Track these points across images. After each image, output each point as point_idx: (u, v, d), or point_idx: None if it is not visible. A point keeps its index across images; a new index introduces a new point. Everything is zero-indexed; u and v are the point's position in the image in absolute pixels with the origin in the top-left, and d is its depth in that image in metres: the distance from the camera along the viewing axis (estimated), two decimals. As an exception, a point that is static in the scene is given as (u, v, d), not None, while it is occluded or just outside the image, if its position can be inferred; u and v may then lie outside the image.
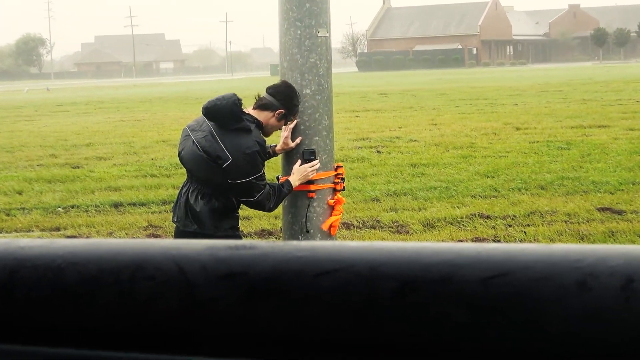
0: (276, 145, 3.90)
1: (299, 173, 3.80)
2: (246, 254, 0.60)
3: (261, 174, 3.59)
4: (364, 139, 13.43)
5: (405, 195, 8.21)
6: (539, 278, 0.54)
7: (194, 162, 3.56)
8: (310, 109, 3.89)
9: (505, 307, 0.54)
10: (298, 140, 3.86)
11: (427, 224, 6.93)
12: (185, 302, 0.58)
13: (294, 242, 0.62)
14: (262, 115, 3.62)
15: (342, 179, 4.05)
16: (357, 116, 19.02)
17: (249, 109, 3.65)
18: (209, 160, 3.50)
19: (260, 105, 3.64)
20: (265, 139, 3.69)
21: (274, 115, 3.63)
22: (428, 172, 9.61)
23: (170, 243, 0.63)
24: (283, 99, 3.65)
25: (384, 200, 8.00)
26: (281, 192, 3.72)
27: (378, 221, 7.09)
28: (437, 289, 0.56)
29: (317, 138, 3.92)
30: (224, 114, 3.48)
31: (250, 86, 43.77)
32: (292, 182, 3.78)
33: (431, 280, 0.56)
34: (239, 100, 3.53)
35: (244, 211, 7.55)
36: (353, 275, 0.57)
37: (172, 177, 9.96)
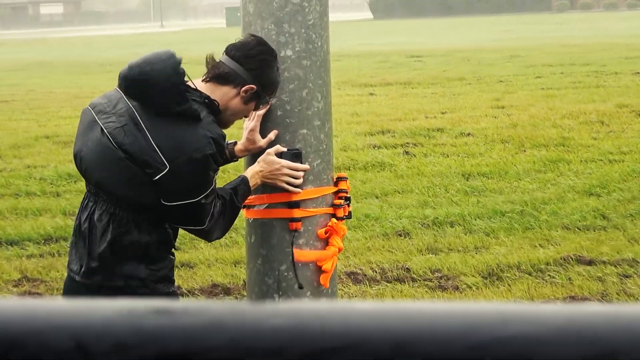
0: (236, 143, 3.93)
1: (266, 165, 3.86)
2: (187, 324, 0.61)
3: (213, 188, 3.64)
4: (383, 133, 13.44)
5: (452, 227, 8.20)
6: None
7: (103, 166, 3.59)
8: (292, 82, 3.91)
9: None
10: (272, 135, 3.89)
11: (490, 273, 6.91)
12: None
13: (267, 304, 0.62)
14: (218, 93, 3.67)
15: (347, 198, 4.09)
16: (371, 94, 19.05)
17: (196, 81, 3.68)
18: (130, 164, 3.52)
19: (217, 75, 3.68)
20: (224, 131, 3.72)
21: (238, 94, 3.67)
22: (491, 187, 9.59)
23: (62, 306, 0.63)
24: (256, 67, 3.68)
25: (416, 235, 7.99)
26: (234, 205, 3.78)
27: (407, 269, 7.10)
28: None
29: (305, 131, 3.96)
30: (160, 87, 3.49)
31: (190, 45, 42.96)
32: (249, 179, 3.83)
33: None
34: (180, 64, 3.53)
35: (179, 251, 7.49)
36: (366, 356, 0.58)
37: (62, 197, 9.94)
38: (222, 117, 3.67)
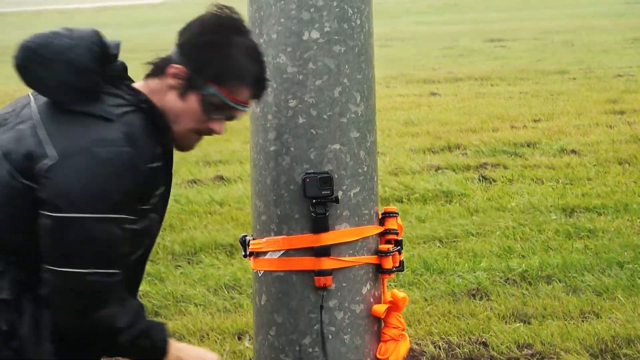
0: None
1: (189, 352, 3.31)
2: None
3: (132, 221, 3.05)
4: (450, 149, 12.39)
5: (548, 283, 7.23)
6: None
7: None
8: (320, 76, 3.57)
9: None
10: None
11: (603, 350, 6.00)
12: None
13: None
14: (153, 88, 3.15)
15: (398, 243, 3.79)
16: (434, 94, 17.81)
17: (145, 83, 3.20)
18: (14, 174, 2.95)
19: (151, 68, 3.18)
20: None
21: (167, 86, 3.13)
22: (604, 227, 8.53)
23: None
24: (187, 40, 3.11)
25: (497, 295, 7.08)
26: (151, 331, 3.12)
27: (484, 344, 6.30)
28: None
29: (338, 146, 3.63)
30: (61, 71, 2.97)
31: (179, 26, 42.11)
32: (170, 344, 3.21)
33: None
34: (103, 42, 3.03)
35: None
36: None
37: None
38: (173, 132, 3.13)
